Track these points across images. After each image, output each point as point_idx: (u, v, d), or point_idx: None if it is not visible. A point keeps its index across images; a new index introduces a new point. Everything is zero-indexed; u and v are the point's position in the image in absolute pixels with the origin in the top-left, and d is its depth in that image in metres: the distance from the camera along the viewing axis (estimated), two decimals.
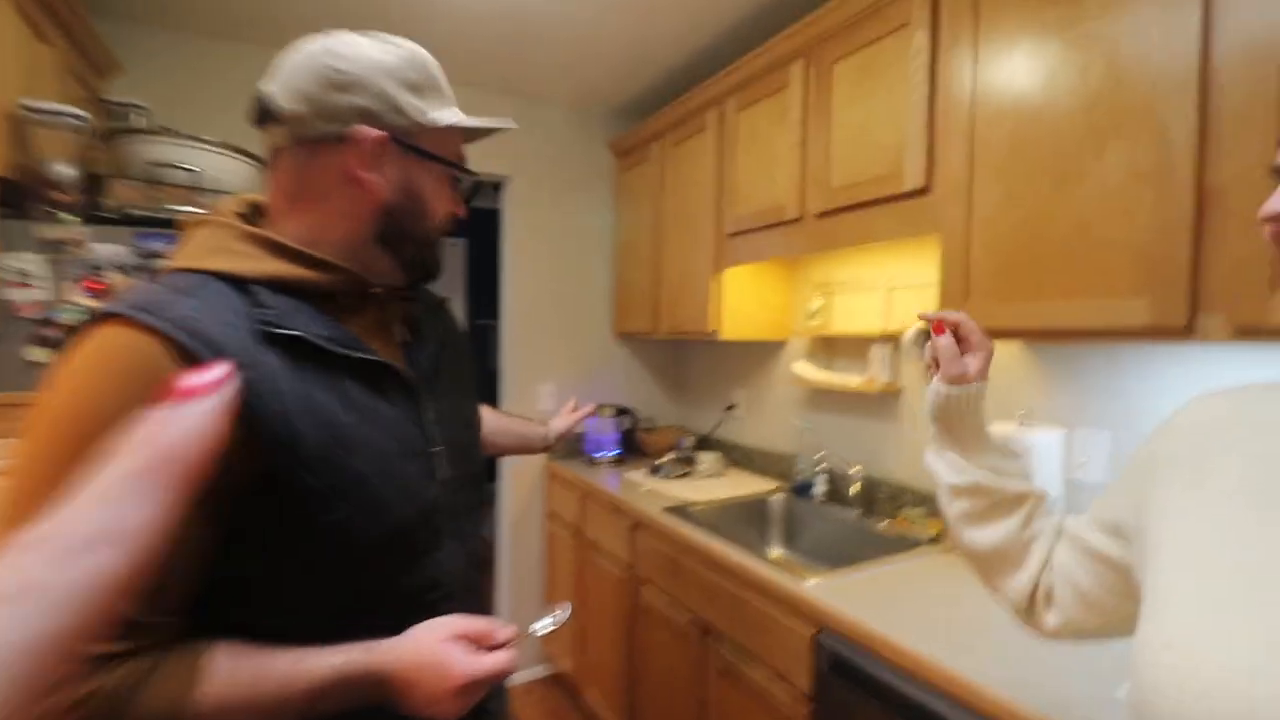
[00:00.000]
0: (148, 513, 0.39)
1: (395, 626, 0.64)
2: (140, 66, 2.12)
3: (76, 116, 1.43)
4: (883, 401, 1.94)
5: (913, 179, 1.45)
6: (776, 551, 2.07)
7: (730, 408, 2.62)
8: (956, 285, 1.37)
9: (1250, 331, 0.97)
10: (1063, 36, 1.18)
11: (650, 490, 2.19)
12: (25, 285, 1.30)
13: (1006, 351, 1.61)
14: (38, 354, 1.31)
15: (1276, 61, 0.92)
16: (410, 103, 0.68)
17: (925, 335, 0.79)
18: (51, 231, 1.33)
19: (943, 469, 0.77)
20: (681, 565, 1.77)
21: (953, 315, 0.75)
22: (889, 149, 1.53)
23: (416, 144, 0.69)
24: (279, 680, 0.57)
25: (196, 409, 0.43)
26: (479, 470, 0.84)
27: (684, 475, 2.33)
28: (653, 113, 2.63)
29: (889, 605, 1.30)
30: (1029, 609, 0.73)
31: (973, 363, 0.75)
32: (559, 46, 2.26)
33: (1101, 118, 1.12)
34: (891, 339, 1.87)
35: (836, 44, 1.67)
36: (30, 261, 1.31)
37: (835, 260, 2.10)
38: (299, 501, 0.60)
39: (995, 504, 0.73)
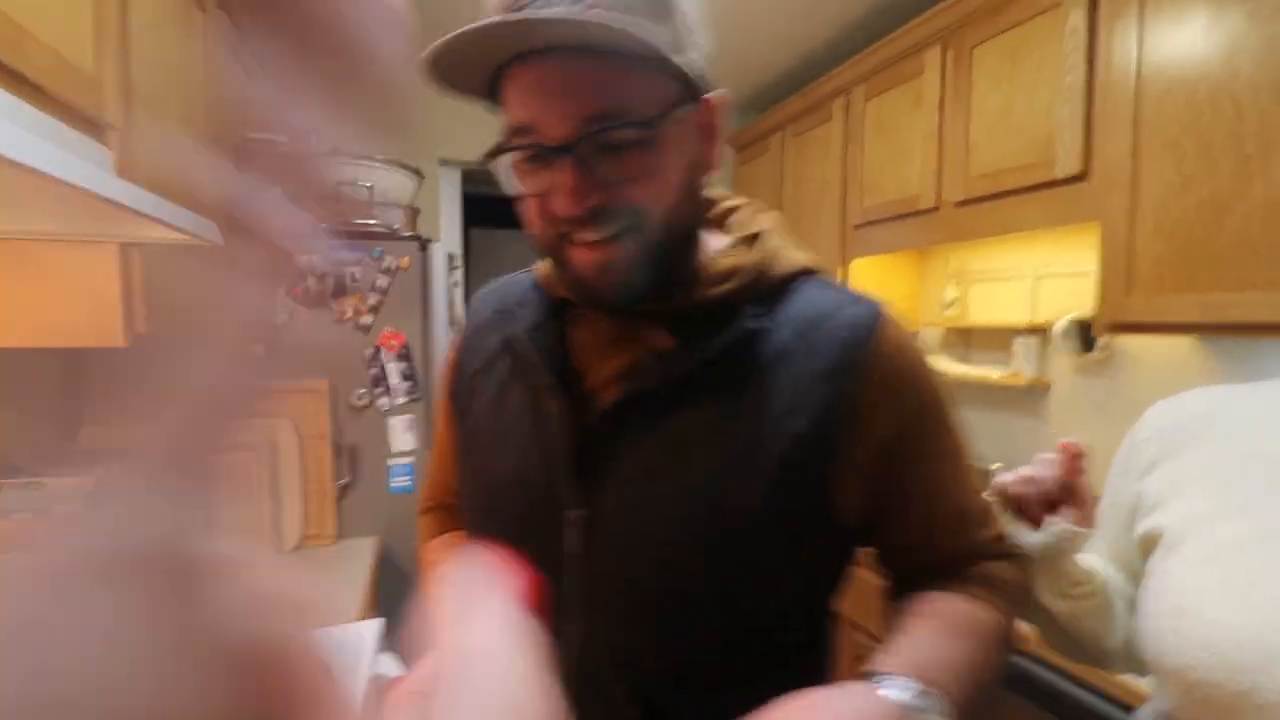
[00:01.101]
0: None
1: None
2: None
3: (279, 140, 1.66)
4: (1028, 396, 1.86)
5: (1067, 165, 1.39)
6: None
7: None
8: (1118, 276, 1.30)
9: None
10: (1245, 7, 1.08)
11: None
12: None
13: (1174, 345, 1.50)
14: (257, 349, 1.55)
15: None
16: None
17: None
18: None
19: (1092, 604, 0.63)
20: None
21: (1078, 444, 0.62)
22: (1037, 134, 1.46)
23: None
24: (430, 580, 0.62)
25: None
26: (692, 614, 0.53)
27: None
28: (771, 107, 2.63)
29: None
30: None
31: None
32: None
33: None
34: (1039, 330, 1.78)
35: (977, 28, 1.61)
36: None
37: (972, 248, 2.02)
38: (458, 447, 0.68)
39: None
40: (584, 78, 0.46)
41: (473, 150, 2.64)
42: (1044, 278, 1.80)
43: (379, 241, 1.66)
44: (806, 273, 0.59)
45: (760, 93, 2.78)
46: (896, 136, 1.90)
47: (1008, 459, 1.91)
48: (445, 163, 2.60)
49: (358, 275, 1.63)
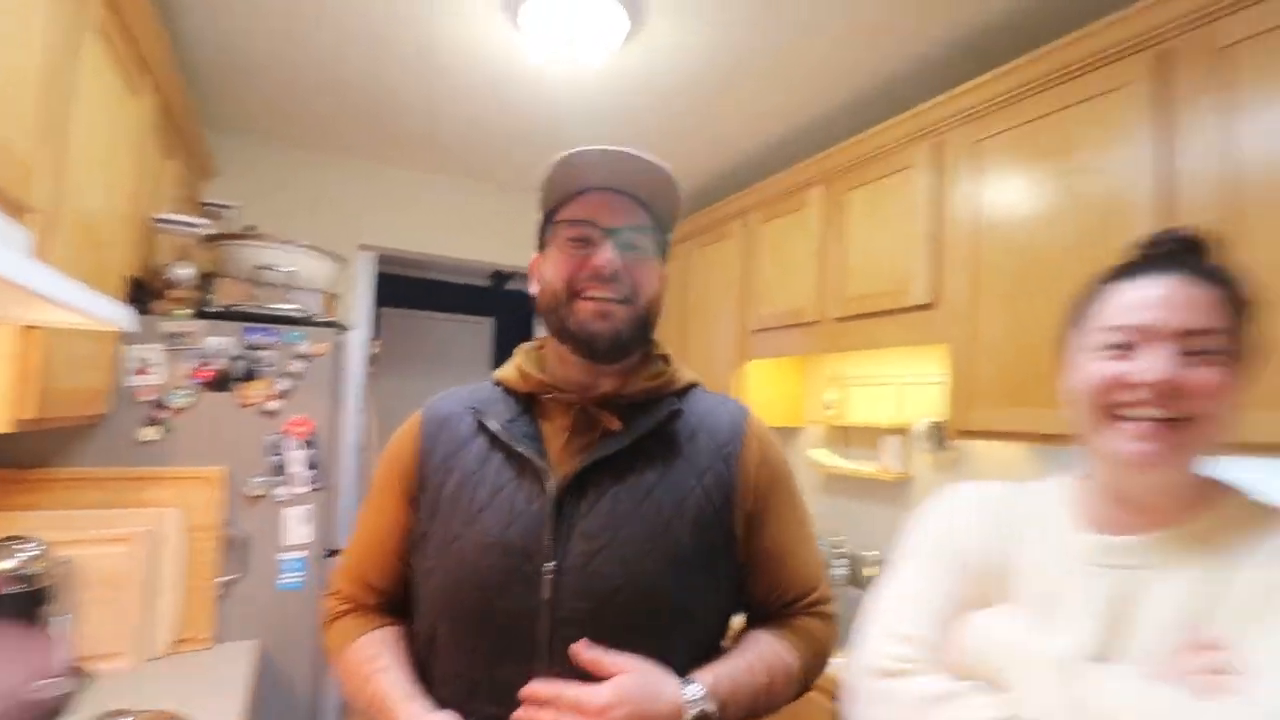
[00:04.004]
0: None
1: (454, 698, 0.69)
2: (232, 170, 2.39)
3: (198, 225, 1.65)
4: (895, 489, 2.08)
5: (919, 296, 1.67)
6: None
7: None
8: (963, 390, 1.55)
9: (1229, 446, 1.14)
10: (1059, 182, 1.39)
11: None
12: (145, 372, 1.47)
13: (1012, 448, 1.77)
14: (148, 433, 1.47)
15: (1212, 195, 1.13)
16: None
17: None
18: (170, 325, 1.51)
19: None
20: None
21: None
22: (897, 267, 1.75)
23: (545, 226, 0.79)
24: (364, 677, 0.72)
25: None
26: (642, 639, 0.68)
27: None
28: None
29: None
30: None
31: None
32: None
33: (1095, 247, 1.30)
34: (902, 431, 2.04)
35: (849, 176, 1.93)
36: (151, 351, 1.49)
37: (848, 356, 2.29)
38: (418, 526, 0.75)
39: None
40: (629, 205, 0.75)
41: (390, 235, 2.69)
42: (906, 385, 2.07)
43: (297, 326, 1.65)
44: (696, 384, 0.83)
45: None
46: (786, 257, 2.18)
47: (880, 545, 2.11)
48: (365, 248, 2.62)
49: (271, 360, 1.60)
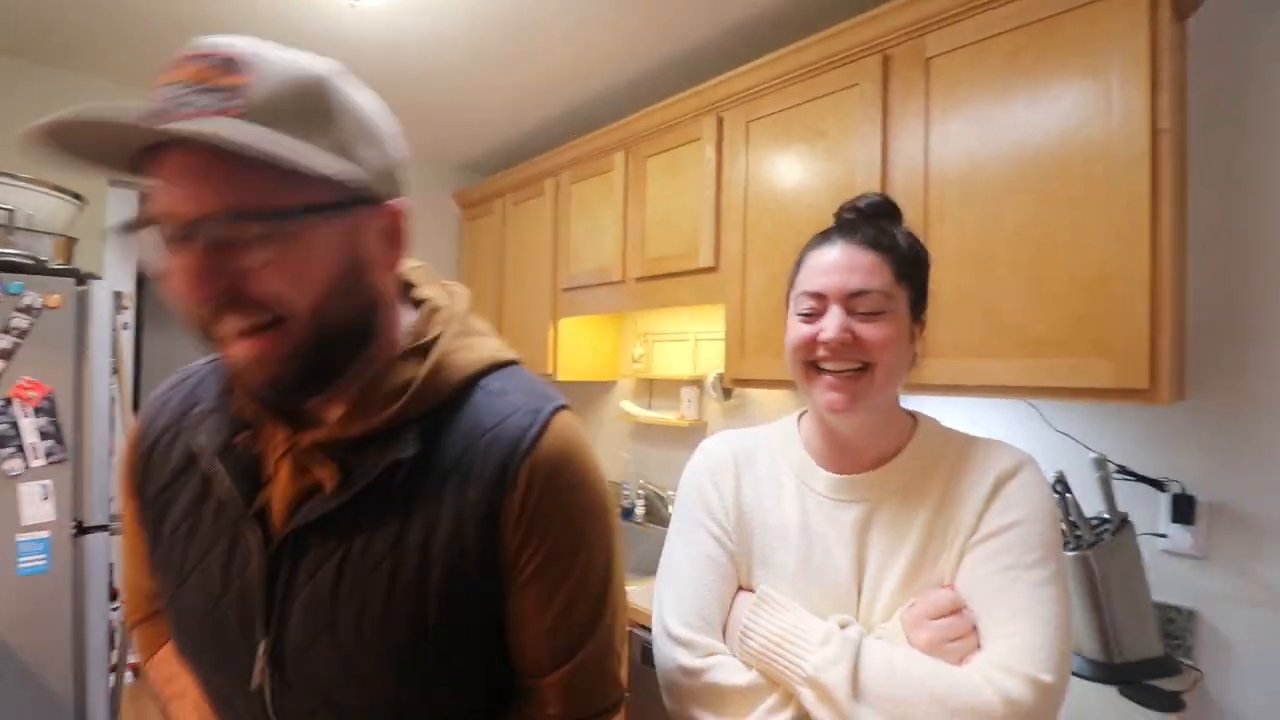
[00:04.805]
0: None
1: None
2: None
3: None
4: (692, 434, 2.30)
5: (705, 259, 1.83)
6: None
7: None
8: (736, 343, 1.75)
9: (912, 387, 1.41)
10: (809, 162, 1.60)
11: None
12: None
13: (779, 398, 2.03)
14: None
15: (919, 182, 1.38)
16: None
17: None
18: None
19: None
20: None
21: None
22: (689, 232, 1.90)
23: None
24: (164, 700, 0.68)
25: None
26: None
27: None
28: (495, 171, 2.86)
29: None
30: None
31: None
32: (423, 102, 2.42)
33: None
34: (697, 382, 2.24)
35: (648, 143, 2.04)
36: None
37: (653, 313, 2.45)
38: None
39: None
40: (215, 172, 0.44)
41: None
42: (700, 340, 2.28)
43: (19, 275, 1.42)
44: (493, 368, 0.59)
45: (482, 158, 2.99)
46: (594, 218, 2.26)
47: (676, 486, 2.33)
48: (117, 184, 2.27)
49: None
